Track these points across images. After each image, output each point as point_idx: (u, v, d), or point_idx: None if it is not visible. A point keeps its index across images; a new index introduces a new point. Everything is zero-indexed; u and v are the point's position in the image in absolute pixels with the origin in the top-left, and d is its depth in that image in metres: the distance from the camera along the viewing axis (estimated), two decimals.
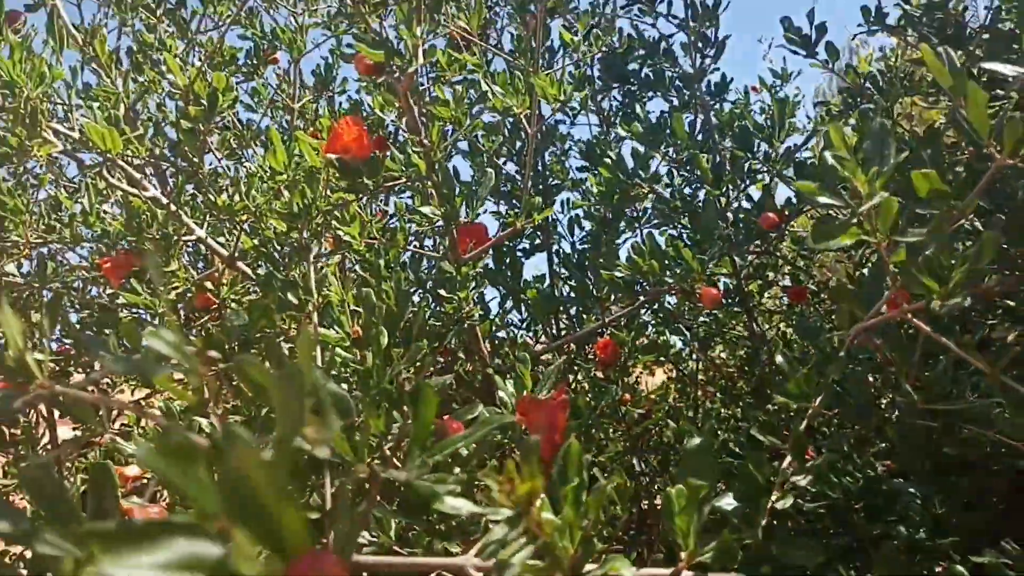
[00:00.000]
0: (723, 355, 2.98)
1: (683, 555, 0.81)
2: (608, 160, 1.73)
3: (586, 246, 2.31)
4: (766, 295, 2.88)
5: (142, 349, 0.47)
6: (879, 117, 0.92)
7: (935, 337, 0.93)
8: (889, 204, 0.87)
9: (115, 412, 1.80)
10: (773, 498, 0.89)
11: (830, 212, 1.00)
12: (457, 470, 0.98)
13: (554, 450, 0.93)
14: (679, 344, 2.75)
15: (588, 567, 0.80)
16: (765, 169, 1.71)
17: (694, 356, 2.69)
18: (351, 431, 0.81)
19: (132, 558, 0.37)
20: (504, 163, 2.39)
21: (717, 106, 2.36)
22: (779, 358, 1.06)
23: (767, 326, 2.88)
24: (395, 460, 0.98)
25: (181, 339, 0.47)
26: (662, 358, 1.97)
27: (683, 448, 0.86)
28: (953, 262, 0.91)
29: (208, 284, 1.68)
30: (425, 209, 1.51)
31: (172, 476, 0.40)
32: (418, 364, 1.17)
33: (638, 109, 2.04)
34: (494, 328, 2.06)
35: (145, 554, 0.37)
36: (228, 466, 0.33)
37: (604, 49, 2.41)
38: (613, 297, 1.67)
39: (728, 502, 0.88)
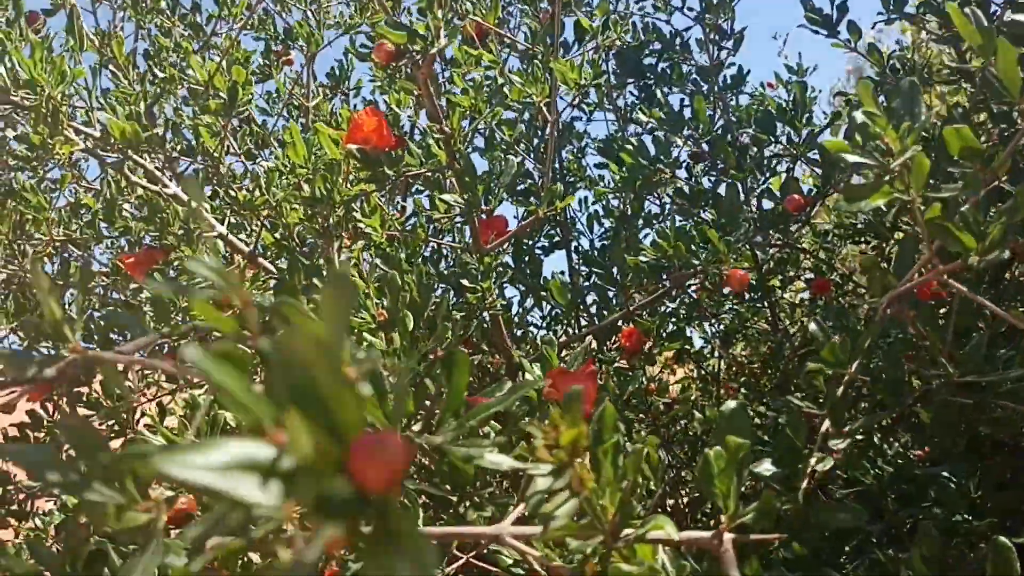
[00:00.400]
0: (745, 352, 2.95)
1: (723, 518, 0.80)
2: (629, 147, 1.72)
3: (606, 242, 2.30)
4: (788, 291, 2.86)
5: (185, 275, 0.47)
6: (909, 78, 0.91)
7: (972, 297, 0.91)
8: (921, 160, 0.86)
9: (138, 414, 1.79)
10: (812, 462, 0.87)
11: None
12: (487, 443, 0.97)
13: (586, 419, 0.91)
14: (700, 342, 2.73)
15: (627, 530, 0.78)
16: (788, 153, 1.70)
17: (716, 353, 2.67)
18: (383, 399, 0.81)
19: (187, 460, 0.36)
20: (522, 161, 2.38)
21: (734, 101, 2.35)
22: (812, 326, 1.04)
23: (788, 322, 2.86)
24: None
25: (221, 264, 0.46)
26: (686, 346, 1.95)
27: (717, 423, 0.84)
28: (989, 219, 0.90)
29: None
30: (447, 197, 1.51)
31: (223, 380, 0.39)
32: (445, 345, 1.16)
33: (658, 94, 2.03)
34: (515, 325, 2.05)
35: (199, 456, 0.36)
36: (282, 347, 0.32)
37: (619, 44, 2.41)
38: (637, 284, 1.65)
39: (767, 467, 0.87)
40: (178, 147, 1.72)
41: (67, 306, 1.87)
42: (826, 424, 0.93)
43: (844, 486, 1.47)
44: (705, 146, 1.80)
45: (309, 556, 0.37)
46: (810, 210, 1.61)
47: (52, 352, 0.79)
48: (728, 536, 0.79)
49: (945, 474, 1.52)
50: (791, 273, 2.57)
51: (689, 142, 1.79)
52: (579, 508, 0.68)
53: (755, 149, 1.67)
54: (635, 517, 0.78)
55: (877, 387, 1.25)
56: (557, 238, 2.48)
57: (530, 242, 2.37)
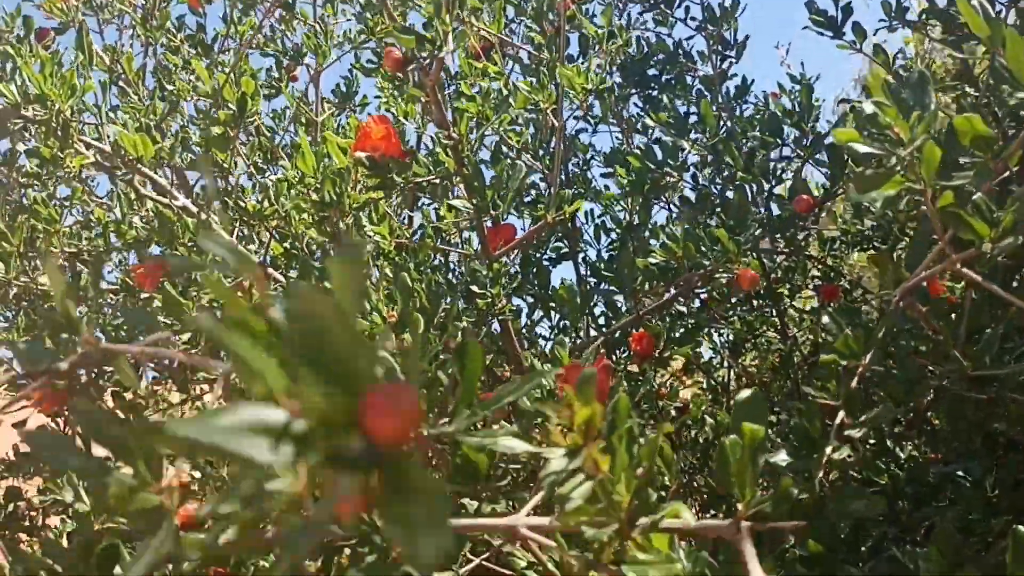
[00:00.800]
0: (755, 363, 2.94)
1: (740, 506, 0.79)
2: (637, 151, 1.73)
3: (613, 252, 2.30)
4: (796, 299, 2.85)
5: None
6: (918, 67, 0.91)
7: (987, 286, 0.91)
8: (932, 148, 0.86)
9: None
10: (828, 450, 0.87)
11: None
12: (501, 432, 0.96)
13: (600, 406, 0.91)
14: (709, 353, 2.72)
15: (643, 519, 0.78)
16: (795, 155, 1.71)
17: (725, 364, 2.66)
18: None
19: (201, 424, 0.36)
20: (530, 168, 2.38)
21: (738, 112, 2.36)
22: (825, 318, 1.04)
23: (797, 330, 2.84)
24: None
25: (234, 242, 0.46)
26: (696, 351, 1.94)
27: (733, 411, 0.84)
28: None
29: (238, 292, 1.68)
30: (456, 202, 1.52)
31: (236, 346, 0.39)
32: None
33: (664, 99, 2.04)
34: (523, 336, 2.05)
35: (213, 420, 0.36)
36: (295, 305, 0.32)
37: (623, 56, 2.42)
38: (647, 287, 1.65)
39: (783, 458, 0.86)
40: (187, 161, 1.73)
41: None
42: (841, 415, 0.92)
43: (861, 485, 1.46)
44: (711, 156, 1.80)
45: (321, 516, 0.37)
46: (818, 211, 1.61)
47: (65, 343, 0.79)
48: (745, 524, 0.78)
49: (960, 473, 1.51)
50: (799, 281, 2.56)
51: (696, 145, 1.79)
52: (594, 491, 0.67)
53: (762, 152, 1.67)
54: (651, 506, 0.78)
55: (890, 386, 1.24)
56: (564, 249, 2.48)
57: (537, 254, 2.37)
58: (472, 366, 0.80)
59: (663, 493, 0.83)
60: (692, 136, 1.81)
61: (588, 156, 2.63)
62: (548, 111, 1.63)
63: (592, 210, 2.57)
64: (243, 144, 1.91)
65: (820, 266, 2.48)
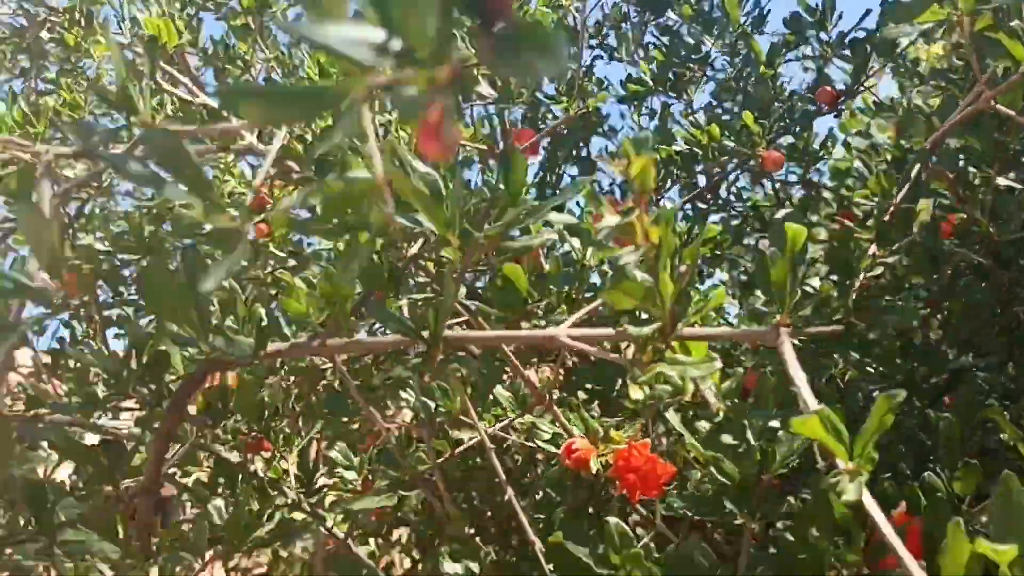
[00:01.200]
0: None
1: (778, 316, 0.80)
2: (663, 47, 1.73)
3: None
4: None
5: None
6: None
7: (1020, 120, 0.92)
8: None
9: None
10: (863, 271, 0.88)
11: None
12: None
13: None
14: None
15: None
16: (818, 54, 1.70)
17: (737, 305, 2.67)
18: (440, 202, 0.81)
19: (313, 28, 0.37)
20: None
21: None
22: (857, 163, 1.05)
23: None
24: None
25: None
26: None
27: (771, 228, 0.85)
28: None
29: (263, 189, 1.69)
30: (481, 88, 1.52)
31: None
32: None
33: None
34: None
35: (323, 27, 0.37)
36: None
37: None
38: (669, 181, 1.66)
39: (817, 282, 0.87)
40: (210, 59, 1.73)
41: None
42: (873, 247, 0.94)
43: (879, 379, 1.47)
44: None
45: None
46: (843, 100, 1.60)
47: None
48: (785, 329, 0.79)
49: (976, 369, 1.53)
50: (814, 218, 2.57)
51: (719, 42, 1.78)
52: (642, 261, 0.67)
53: (784, 50, 1.67)
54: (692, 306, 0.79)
55: (916, 260, 1.25)
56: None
57: (553, 187, 2.37)
58: (516, 174, 0.81)
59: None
60: (715, 32, 1.81)
61: (605, 86, 2.62)
62: (570, 7, 1.64)
63: (606, 147, 2.57)
64: (264, 49, 1.91)
65: (835, 197, 2.49)
